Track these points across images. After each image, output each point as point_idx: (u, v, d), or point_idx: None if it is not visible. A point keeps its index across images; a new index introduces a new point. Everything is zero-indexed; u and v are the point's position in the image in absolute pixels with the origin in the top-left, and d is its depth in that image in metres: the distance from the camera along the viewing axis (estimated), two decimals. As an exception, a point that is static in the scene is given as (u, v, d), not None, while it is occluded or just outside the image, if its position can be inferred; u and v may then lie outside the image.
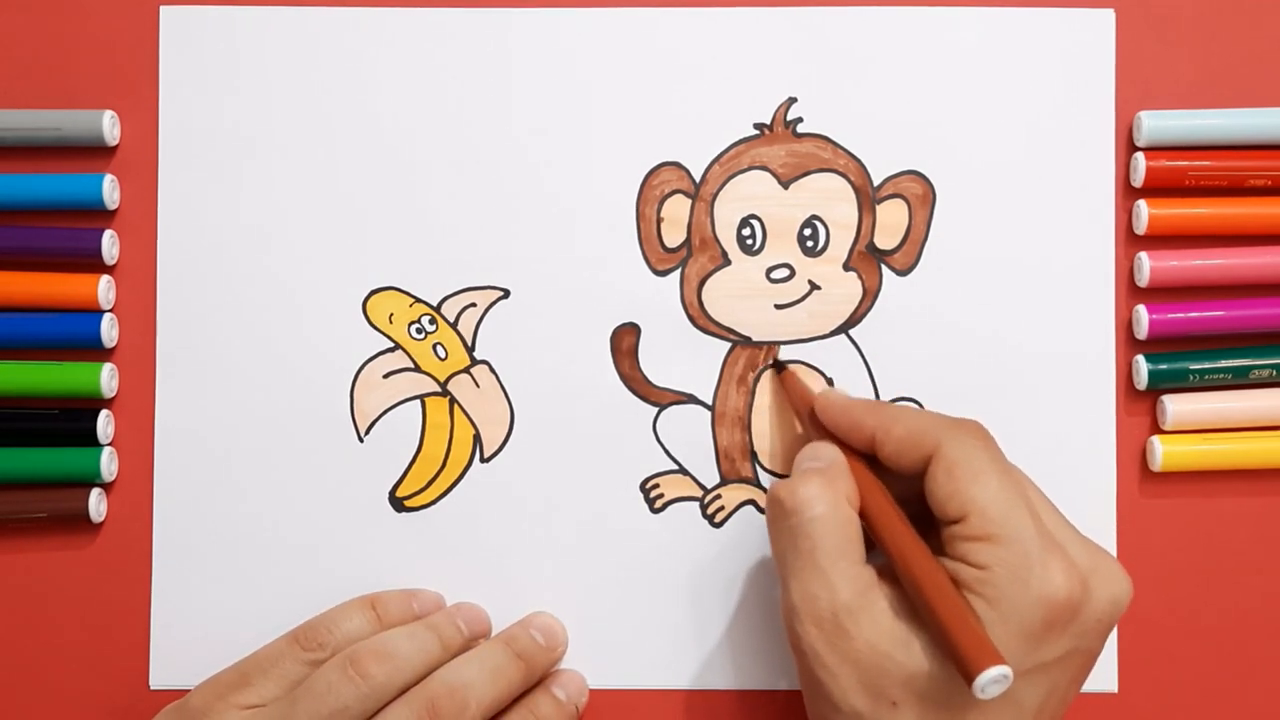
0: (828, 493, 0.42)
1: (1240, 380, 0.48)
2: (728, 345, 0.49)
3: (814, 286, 0.49)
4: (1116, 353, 0.49)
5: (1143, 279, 0.48)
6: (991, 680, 0.37)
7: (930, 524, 0.42)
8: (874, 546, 0.42)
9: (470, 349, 0.49)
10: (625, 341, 0.49)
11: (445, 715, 0.43)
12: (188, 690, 0.45)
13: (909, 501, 0.43)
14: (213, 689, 0.44)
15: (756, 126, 0.49)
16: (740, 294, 0.49)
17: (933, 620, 0.39)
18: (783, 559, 0.43)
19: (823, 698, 0.41)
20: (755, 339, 0.49)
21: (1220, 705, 0.49)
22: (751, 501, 0.49)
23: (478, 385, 0.49)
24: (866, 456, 0.44)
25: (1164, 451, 0.48)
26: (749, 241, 0.49)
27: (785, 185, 0.49)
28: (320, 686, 0.43)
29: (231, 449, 0.49)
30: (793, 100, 0.49)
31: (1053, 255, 0.49)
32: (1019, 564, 0.39)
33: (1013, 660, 0.39)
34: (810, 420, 0.46)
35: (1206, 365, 0.48)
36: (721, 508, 0.49)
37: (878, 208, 0.49)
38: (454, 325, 0.49)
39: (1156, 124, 0.48)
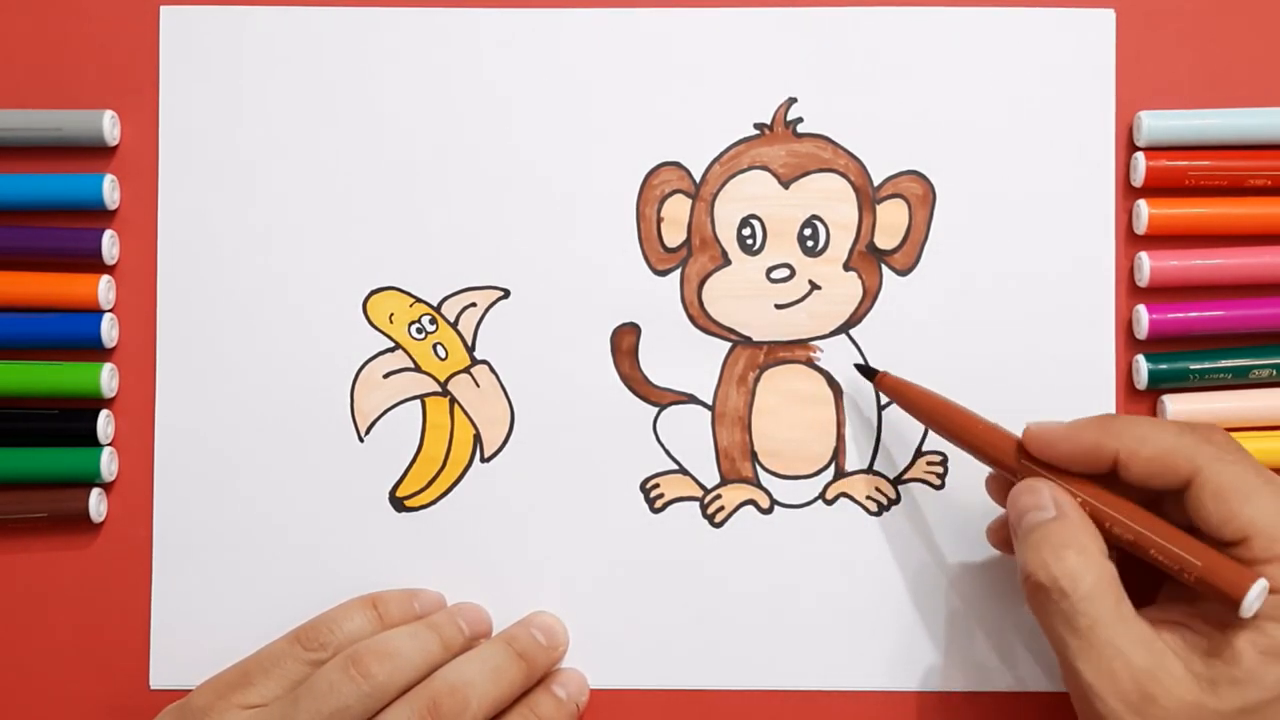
0: (1087, 560, 0.41)
1: (1240, 380, 0.48)
2: (728, 345, 0.49)
3: (814, 286, 0.49)
4: (1116, 353, 0.49)
5: (1143, 279, 0.49)
6: (1256, 595, 0.39)
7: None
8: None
9: (470, 349, 0.49)
10: (625, 341, 0.49)
11: (447, 714, 0.43)
12: (188, 690, 0.45)
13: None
14: (214, 689, 0.44)
15: (756, 126, 0.49)
16: (740, 294, 0.49)
17: (1189, 569, 0.40)
18: (1061, 640, 0.41)
19: None
20: (755, 339, 0.49)
21: (1220, 705, 0.49)
22: (751, 501, 0.49)
23: (478, 385, 0.49)
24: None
25: (1164, 451, 0.48)
26: (749, 241, 0.49)
27: (785, 185, 0.49)
28: (322, 686, 0.43)
29: (231, 449, 0.49)
30: (793, 100, 0.49)
31: (1053, 255, 0.49)
32: None
33: None
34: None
35: (1206, 365, 0.48)
36: (721, 508, 0.49)
37: (878, 208, 0.49)
38: (454, 325, 0.49)
39: (1156, 124, 0.48)
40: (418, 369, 0.49)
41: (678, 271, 0.49)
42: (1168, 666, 0.40)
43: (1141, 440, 0.42)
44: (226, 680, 0.44)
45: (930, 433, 0.49)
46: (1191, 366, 0.48)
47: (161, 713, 0.45)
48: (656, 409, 0.49)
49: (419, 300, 0.49)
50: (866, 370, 0.48)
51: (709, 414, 0.49)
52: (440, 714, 0.43)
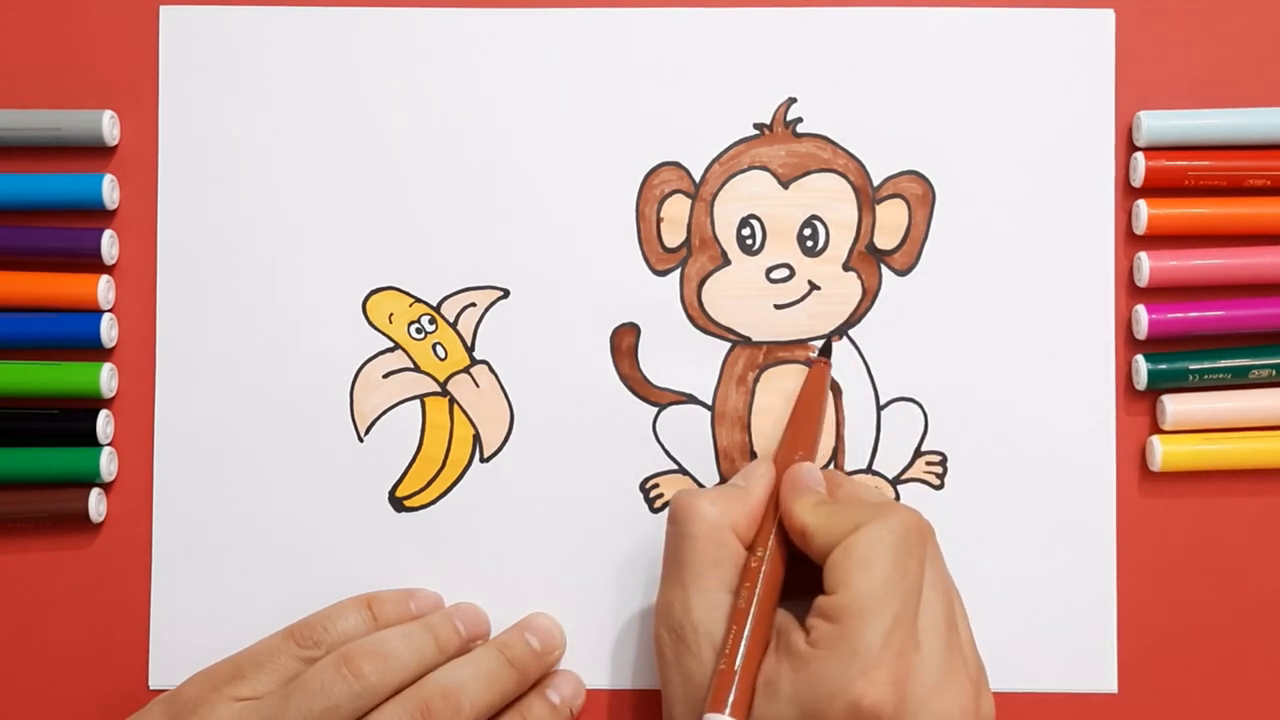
0: (714, 517, 0.43)
1: (1240, 380, 0.48)
2: (728, 345, 0.49)
3: (814, 286, 0.49)
4: (1116, 353, 0.49)
5: (1142, 279, 0.48)
6: None
7: None
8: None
9: (470, 349, 0.49)
10: (625, 341, 0.49)
11: (439, 717, 0.43)
12: (187, 690, 0.45)
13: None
14: (206, 680, 0.44)
15: (756, 126, 0.49)
16: (740, 294, 0.49)
17: (722, 648, 0.40)
18: (664, 560, 0.44)
19: (665, 699, 0.43)
20: (755, 339, 0.49)
21: (1220, 705, 0.49)
22: (751, 501, 0.49)
23: (477, 385, 0.49)
24: None
25: (1164, 451, 0.48)
26: (749, 241, 0.49)
27: (785, 185, 0.49)
28: (314, 684, 0.43)
29: (231, 449, 0.49)
30: (793, 100, 0.49)
31: (1053, 255, 0.49)
32: (841, 665, 0.38)
33: None
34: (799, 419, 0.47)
35: (1206, 365, 0.48)
36: (721, 508, 0.49)
37: (877, 208, 0.49)
38: (454, 325, 0.49)
39: (1156, 124, 0.48)
40: (417, 369, 0.49)
41: (677, 271, 0.49)
42: (715, 639, 0.41)
43: (820, 529, 0.42)
44: (219, 673, 0.45)
45: (930, 433, 0.49)
46: (1191, 366, 0.48)
47: (151, 703, 0.45)
48: (656, 409, 0.49)
49: (418, 300, 0.49)
50: (826, 350, 0.49)
51: (709, 414, 0.49)
52: (432, 716, 0.43)
